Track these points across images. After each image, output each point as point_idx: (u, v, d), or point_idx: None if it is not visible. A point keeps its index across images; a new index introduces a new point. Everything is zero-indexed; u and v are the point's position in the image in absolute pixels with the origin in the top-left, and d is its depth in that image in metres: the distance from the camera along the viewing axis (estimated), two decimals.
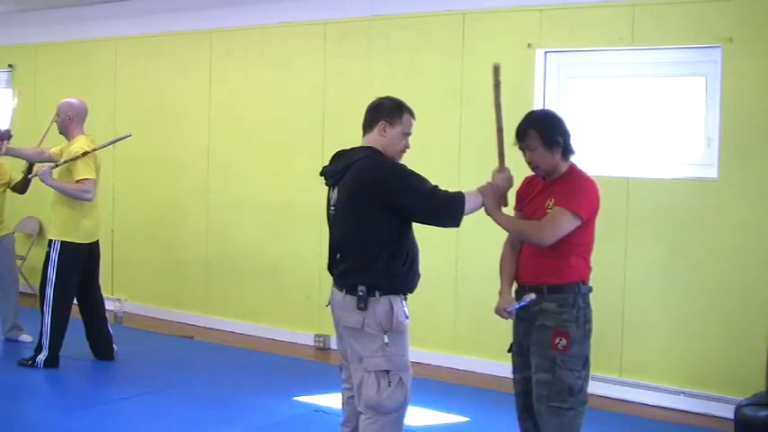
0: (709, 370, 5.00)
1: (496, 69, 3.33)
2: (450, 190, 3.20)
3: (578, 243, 3.27)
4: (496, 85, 3.35)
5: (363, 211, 3.16)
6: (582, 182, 3.30)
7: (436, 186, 3.18)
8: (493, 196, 3.29)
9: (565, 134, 3.32)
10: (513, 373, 3.46)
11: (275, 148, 6.69)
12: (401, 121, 3.27)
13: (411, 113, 3.31)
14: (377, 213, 3.14)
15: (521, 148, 3.35)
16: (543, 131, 3.28)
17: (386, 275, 3.14)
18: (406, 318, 3.20)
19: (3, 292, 6.07)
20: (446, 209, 3.17)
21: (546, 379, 3.20)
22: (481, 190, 3.31)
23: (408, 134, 3.31)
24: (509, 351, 3.48)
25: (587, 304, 3.29)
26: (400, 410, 3.18)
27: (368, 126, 3.30)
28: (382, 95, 3.39)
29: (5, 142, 5.57)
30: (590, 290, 3.32)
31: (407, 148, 3.32)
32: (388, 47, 6.15)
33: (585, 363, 3.26)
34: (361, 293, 3.13)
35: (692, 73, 5.23)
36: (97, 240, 5.62)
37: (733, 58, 4.92)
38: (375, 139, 3.26)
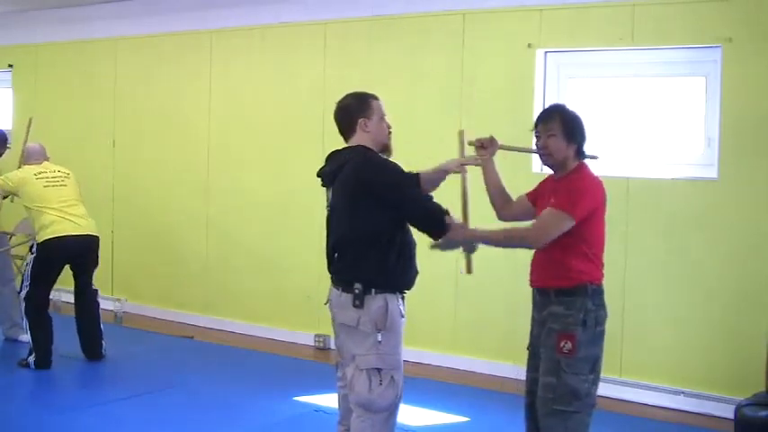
0: (709, 370, 5.00)
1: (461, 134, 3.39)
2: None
3: (582, 240, 3.24)
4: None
5: (356, 208, 3.19)
6: (582, 180, 3.29)
7: (419, 189, 3.26)
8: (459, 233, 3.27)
9: (583, 136, 3.36)
10: (526, 371, 3.47)
11: (275, 149, 6.68)
12: (373, 109, 3.32)
13: (376, 98, 3.36)
14: (369, 210, 3.16)
15: (537, 134, 3.37)
16: (567, 121, 3.32)
17: (381, 272, 3.15)
18: (402, 316, 3.20)
19: None
20: (434, 218, 3.20)
21: (551, 382, 3.19)
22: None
23: (383, 116, 3.34)
24: (528, 348, 3.48)
25: (598, 306, 3.25)
26: (391, 409, 3.18)
27: (348, 130, 3.33)
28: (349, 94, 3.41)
29: None
30: (601, 291, 3.28)
31: (390, 128, 3.36)
32: (388, 47, 6.15)
33: (594, 366, 3.23)
34: (357, 291, 3.15)
35: (691, 73, 5.24)
36: (82, 236, 5.55)
37: (733, 58, 4.92)
38: (361, 137, 3.30)
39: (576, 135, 3.32)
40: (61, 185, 5.65)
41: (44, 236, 5.48)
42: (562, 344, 3.18)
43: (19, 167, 5.90)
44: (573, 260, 3.22)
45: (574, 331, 3.18)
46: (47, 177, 5.65)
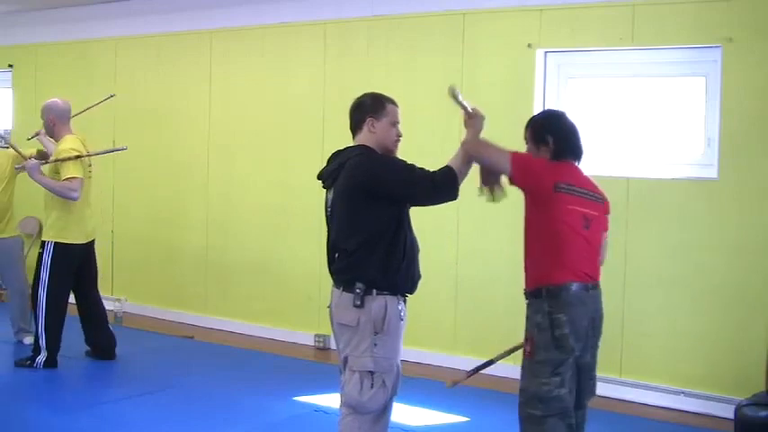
0: (710, 370, 5.00)
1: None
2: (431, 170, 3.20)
3: (538, 237, 3.20)
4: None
5: (357, 208, 3.18)
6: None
7: (422, 169, 3.17)
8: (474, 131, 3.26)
9: (557, 134, 3.29)
10: None
11: (275, 149, 6.69)
12: (385, 112, 3.29)
13: (393, 102, 3.34)
14: (370, 209, 3.15)
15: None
16: (534, 128, 3.36)
17: (383, 272, 3.14)
18: (401, 320, 3.18)
19: (9, 296, 6.06)
20: (442, 185, 3.15)
21: (521, 385, 3.22)
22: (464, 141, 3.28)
23: (396, 123, 3.32)
24: None
25: (555, 308, 3.11)
26: (379, 411, 3.17)
27: (356, 127, 3.33)
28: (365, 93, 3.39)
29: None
30: (559, 293, 3.12)
31: (400, 136, 3.33)
32: (387, 47, 6.15)
33: (556, 369, 3.10)
34: (358, 290, 3.13)
35: (692, 73, 5.24)
36: (92, 240, 5.58)
37: (733, 58, 4.92)
38: (366, 136, 3.29)
39: (543, 137, 3.29)
40: (90, 177, 5.52)
41: (64, 238, 5.36)
42: (526, 346, 3.21)
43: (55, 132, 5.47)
44: (531, 260, 3.25)
45: (532, 334, 3.19)
46: (89, 165, 5.48)
